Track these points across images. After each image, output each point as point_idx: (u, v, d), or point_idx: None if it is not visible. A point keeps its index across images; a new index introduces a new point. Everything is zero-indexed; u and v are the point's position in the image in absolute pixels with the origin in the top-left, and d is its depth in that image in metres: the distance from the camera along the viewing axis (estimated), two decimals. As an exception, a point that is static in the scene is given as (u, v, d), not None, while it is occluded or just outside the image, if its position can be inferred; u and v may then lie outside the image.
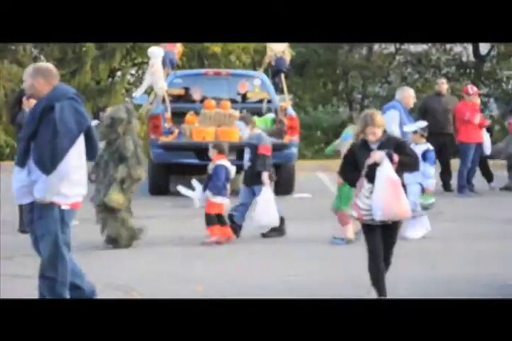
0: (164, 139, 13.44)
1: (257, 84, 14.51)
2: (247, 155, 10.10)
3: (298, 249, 9.24)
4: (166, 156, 13.43)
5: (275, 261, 8.74)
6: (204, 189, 9.59)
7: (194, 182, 9.87)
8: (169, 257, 8.87)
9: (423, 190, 9.77)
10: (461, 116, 13.85)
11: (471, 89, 14.31)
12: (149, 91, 14.68)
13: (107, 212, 9.18)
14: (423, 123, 10.30)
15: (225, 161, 9.71)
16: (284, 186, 13.60)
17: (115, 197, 9.08)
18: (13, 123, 10.91)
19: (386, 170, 6.51)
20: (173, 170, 13.84)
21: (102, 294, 7.04)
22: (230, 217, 9.86)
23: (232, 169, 9.79)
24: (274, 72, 15.70)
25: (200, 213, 9.76)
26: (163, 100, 13.74)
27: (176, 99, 14.28)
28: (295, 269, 8.23)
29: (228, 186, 9.74)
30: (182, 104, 14.13)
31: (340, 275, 7.94)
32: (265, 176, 9.77)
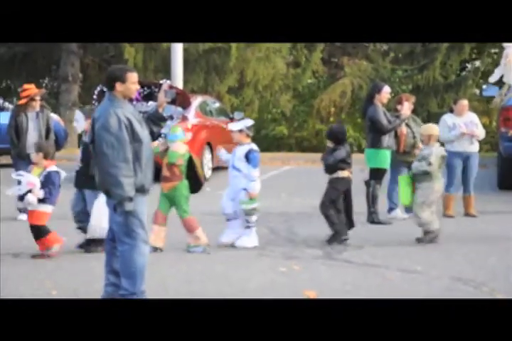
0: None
1: None
2: (81, 153, 8.61)
3: None
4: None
5: None
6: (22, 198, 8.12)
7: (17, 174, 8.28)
8: None
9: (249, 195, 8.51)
10: None
11: None
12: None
13: None
14: (250, 122, 8.80)
15: (55, 167, 8.33)
16: None
17: None
18: (363, 118, 10.53)
19: None
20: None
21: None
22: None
23: (63, 174, 8.39)
24: None
25: None
26: (517, 91, 12.77)
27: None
28: None
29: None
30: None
31: None
32: None
